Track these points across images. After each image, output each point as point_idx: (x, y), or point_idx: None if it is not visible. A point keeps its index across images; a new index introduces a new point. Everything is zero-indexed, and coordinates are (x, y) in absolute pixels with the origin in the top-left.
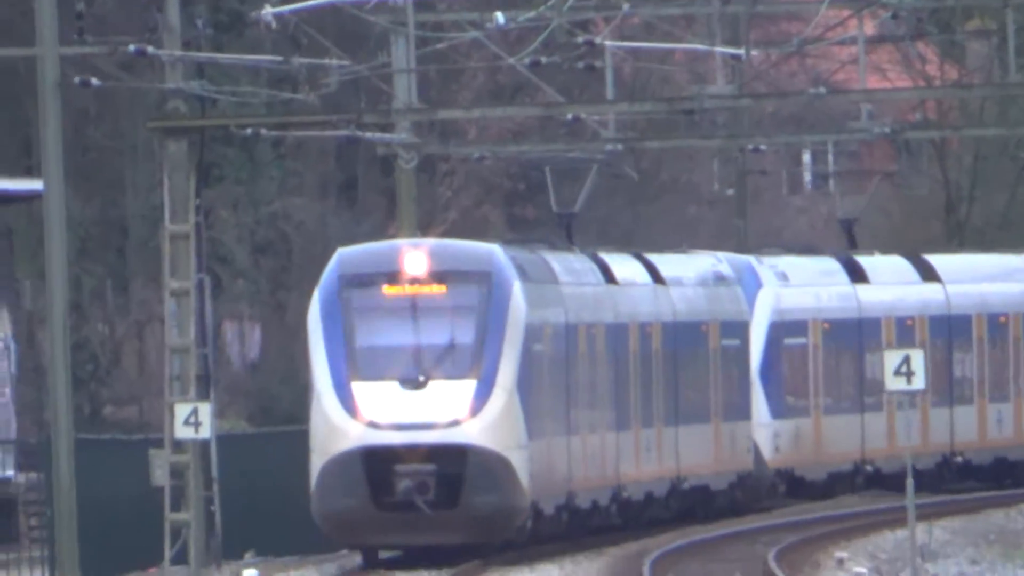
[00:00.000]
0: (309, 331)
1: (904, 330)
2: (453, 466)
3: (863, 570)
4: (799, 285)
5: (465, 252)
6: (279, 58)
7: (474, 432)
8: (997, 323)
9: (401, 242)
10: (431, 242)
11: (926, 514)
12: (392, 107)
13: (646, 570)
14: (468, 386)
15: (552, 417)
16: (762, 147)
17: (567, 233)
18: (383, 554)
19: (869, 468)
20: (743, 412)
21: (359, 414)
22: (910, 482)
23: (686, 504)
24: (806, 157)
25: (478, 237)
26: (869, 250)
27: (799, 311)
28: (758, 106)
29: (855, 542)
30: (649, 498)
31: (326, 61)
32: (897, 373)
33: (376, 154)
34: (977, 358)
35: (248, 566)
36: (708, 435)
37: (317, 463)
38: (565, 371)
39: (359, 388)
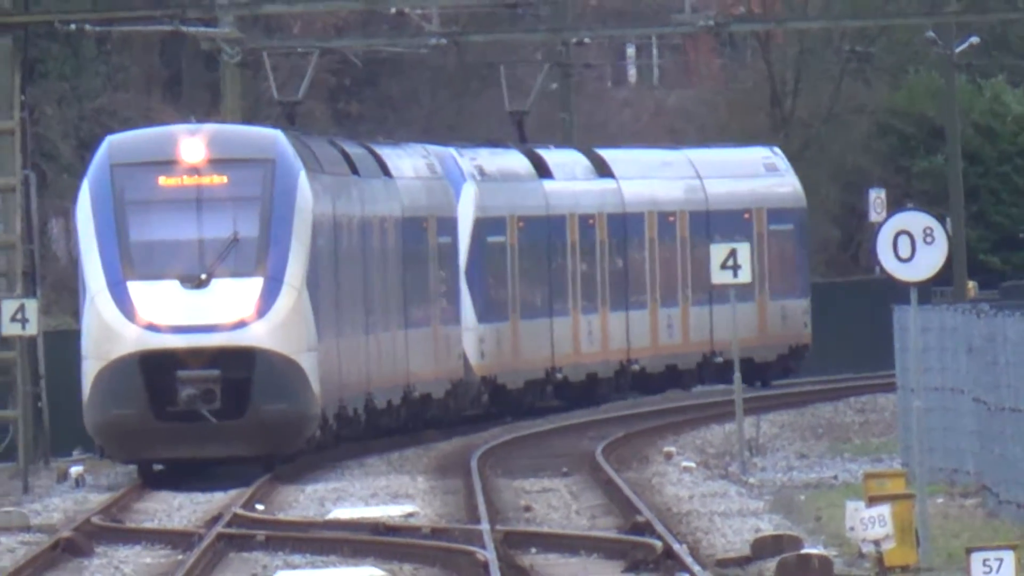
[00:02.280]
0: (78, 226)
1: (586, 229)
2: (240, 371)
3: (691, 464)
4: (496, 179)
5: (246, 137)
6: None
7: (262, 334)
8: (667, 222)
9: (177, 127)
10: (210, 127)
11: (754, 408)
12: (215, 1)
13: (473, 463)
14: (254, 284)
15: (335, 317)
16: (586, 40)
17: (289, 119)
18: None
19: (559, 376)
20: (456, 315)
21: (136, 316)
22: (737, 376)
23: (413, 413)
24: (630, 50)
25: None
26: (544, 143)
27: (498, 207)
28: None
29: (683, 436)
30: (389, 406)
31: None
32: (724, 267)
33: (200, 49)
34: (649, 260)
35: (75, 463)
36: (430, 339)
37: (91, 369)
38: (335, 267)
39: (135, 288)
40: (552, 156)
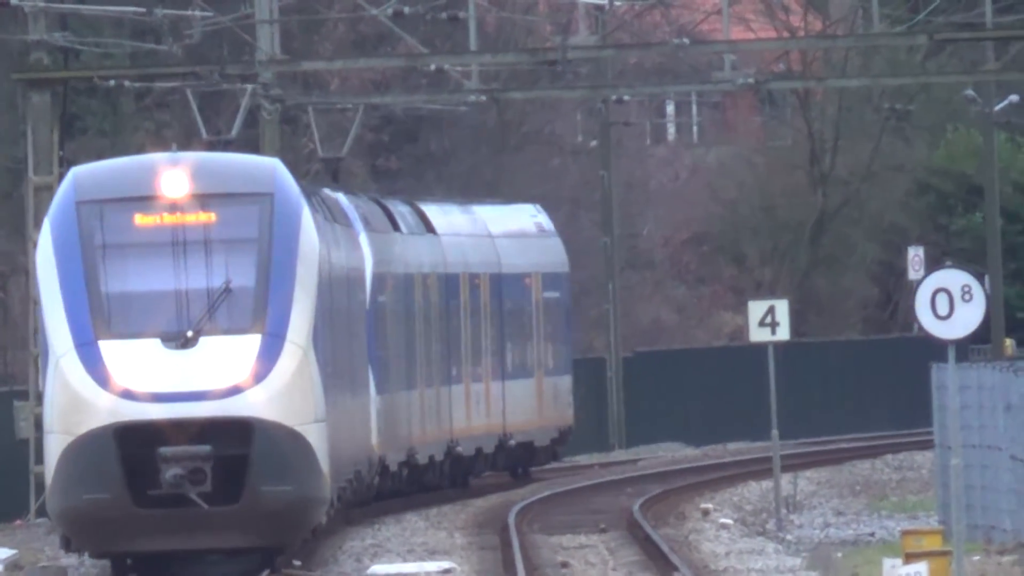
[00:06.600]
0: (39, 274)
1: (426, 290)
2: (234, 447)
3: (729, 521)
4: (377, 231)
5: (238, 168)
6: (142, 9)
7: (260, 402)
8: (475, 284)
9: (156, 156)
10: (194, 156)
11: (792, 465)
12: (255, 58)
13: (511, 519)
14: (250, 342)
15: (342, 381)
16: (625, 98)
17: (333, 176)
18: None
19: (417, 458)
20: (366, 385)
21: (110, 382)
22: (775, 433)
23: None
24: (669, 108)
25: (343, 189)
26: (351, 191)
27: (383, 262)
28: (621, 57)
29: (720, 493)
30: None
31: (189, 12)
32: (762, 324)
33: (239, 106)
34: (464, 328)
35: None
36: (363, 410)
37: (56, 446)
38: (332, 322)
39: (109, 348)
40: (393, 207)
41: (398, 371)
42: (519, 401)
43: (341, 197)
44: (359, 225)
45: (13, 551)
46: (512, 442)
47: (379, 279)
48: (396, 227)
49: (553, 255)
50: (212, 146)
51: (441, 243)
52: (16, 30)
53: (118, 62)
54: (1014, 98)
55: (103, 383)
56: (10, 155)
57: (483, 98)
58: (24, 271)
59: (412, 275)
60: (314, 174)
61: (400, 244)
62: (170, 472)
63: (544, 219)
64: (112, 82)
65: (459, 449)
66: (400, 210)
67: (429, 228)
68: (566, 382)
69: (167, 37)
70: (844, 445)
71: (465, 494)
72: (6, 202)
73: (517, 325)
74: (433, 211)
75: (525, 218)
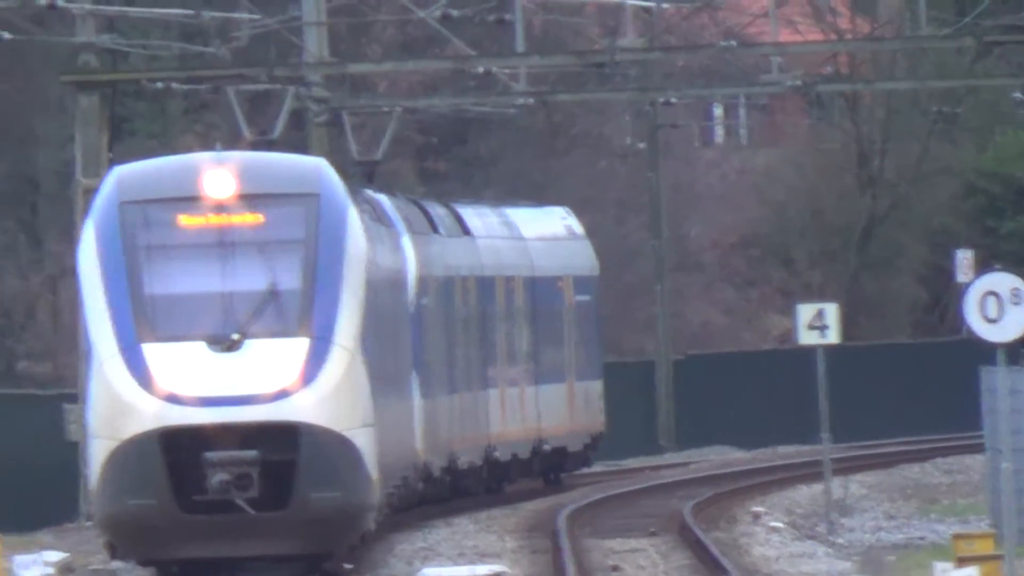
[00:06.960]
0: (81, 277)
1: (466, 293)
2: (282, 452)
3: (779, 524)
4: (419, 232)
5: (284, 168)
6: (190, 12)
7: (308, 406)
8: (510, 288)
9: (200, 156)
10: (239, 156)
11: (842, 469)
12: (303, 61)
13: (561, 523)
14: (298, 345)
15: (388, 385)
16: (673, 100)
17: (369, 178)
18: None
19: (459, 463)
20: (409, 388)
21: (154, 385)
22: (826, 436)
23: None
24: (717, 110)
25: (390, 191)
26: (391, 192)
27: (425, 265)
28: (669, 59)
29: (771, 497)
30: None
31: (237, 15)
32: (811, 327)
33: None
34: (500, 331)
35: None
36: (409, 415)
37: (100, 451)
38: (379, 324)
39: (153, 351)
40: (431, 209)
41: (440, 375)
42: (552, 406)
43: (383, 199)
44: (401, 227)
45: (65, 554)
46: (547, 447)
47: (422, 281)
48: (435, 229)
49: (583, 258)
50: (255, 146)
51: (477, 245)
52: (64, 32)
53: (166, 64)
54: None
55: (148, 387)
56: (59, 158)
57: (531, 101)
58: (73, 274)
59: (452, 278)
60: (359, 178)
61: (440, 246)
62: (216, 477)
63: (574, 221)
64: (160, 84)
65: (496, 454)
66: (438, 212)
67: (465, 230)
68: (597, 387)
69: (214, 39)
70: (894, 448)
71: (503, 500)
72: (55, 204)
73: (550, 329)
74: (467, 213)
75: (556, 221)
